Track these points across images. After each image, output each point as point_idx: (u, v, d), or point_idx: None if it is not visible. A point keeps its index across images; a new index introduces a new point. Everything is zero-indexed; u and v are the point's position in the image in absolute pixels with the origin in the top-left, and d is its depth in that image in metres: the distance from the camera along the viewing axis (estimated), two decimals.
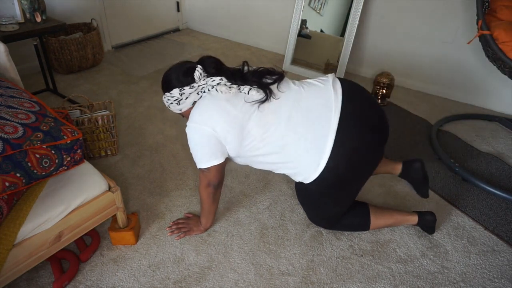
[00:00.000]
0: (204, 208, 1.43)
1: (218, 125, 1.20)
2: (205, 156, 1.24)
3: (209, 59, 1.32)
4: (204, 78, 1.27)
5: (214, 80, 1.24)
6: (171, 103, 1.30)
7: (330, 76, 1.31)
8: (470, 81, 2.61)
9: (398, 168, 1.62)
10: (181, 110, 1.32)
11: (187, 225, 1.50)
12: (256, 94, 1.22)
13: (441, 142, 2.14)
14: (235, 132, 1.21)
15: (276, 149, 1.23)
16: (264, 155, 1.27)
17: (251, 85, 1.24)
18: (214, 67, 1.29)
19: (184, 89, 1.26)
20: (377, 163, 1.31)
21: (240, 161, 1.35)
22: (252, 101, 1.21)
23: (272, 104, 1.23)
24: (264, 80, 1.28)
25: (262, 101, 1.21)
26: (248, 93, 1.22)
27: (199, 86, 1.26)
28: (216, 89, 1.22)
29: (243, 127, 1.21)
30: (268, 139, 1.22)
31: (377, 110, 1.28)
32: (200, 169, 1.29)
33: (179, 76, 1.27)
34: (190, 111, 1.29)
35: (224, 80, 1.24)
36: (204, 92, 1.26)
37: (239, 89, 1.23)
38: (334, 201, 1.35)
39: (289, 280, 1.33)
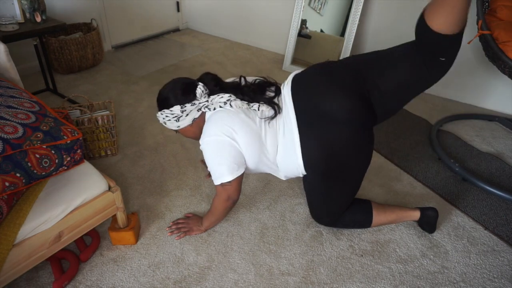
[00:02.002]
0: (214, 216, 1.44)
1: (239, 137, 1.21)
2: (228, 169, 1.23)
3: (208, 75, 1.33)
4: (206, 95, 1.27)
5: (222, 97, 1.24)
6: (169, 119, 1.29)
7: (289, 76, 1.33)
8: (470, 81, 2.61)
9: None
10: (179, 127, 1.32)
11: (187, 225, 1.50)
12: (266, 109, 1.25)
13: (441, 142, 2.14)
14: (255, 145, 1.23)
15: (279, 159, 1.30)
16: (270, 166, 1.33)
17: (258, 101, 1.26)
18: (214, 84, 1.30)
19: (185, 106, 1.26)
20: (365, 149, 1.26)
21: (254, 172, 1.39)
22: (265, 118, 1.25)
23: (277, 118, 1.27)
24: (267, 94, 1.31)
25: (272, 117, 1.25)
26: (258, 109, 1.25)
27: (199, 103, 1.27)
28: (231, 104, 1.23)
29: (262, 141, 1.25)
30: (277, 150, 1.28)
31: (341, 94, 1.19)
32: (221, 183, 1.26)
33: (178, 93, 1.27)
34: (190, 128, 1.33)
35: (233, 96, 1.25)
36: (208, 108, 1.27)
37: (248, 105, 1.25)
38: (334, 191, 1.35)
39: (289, 280, 1.33)
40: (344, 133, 1.20)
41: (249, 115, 1.24)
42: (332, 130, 1.20)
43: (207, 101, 1.27)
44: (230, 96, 1.25)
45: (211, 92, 1.29)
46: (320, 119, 1.20)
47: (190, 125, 1.32)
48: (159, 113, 1.31)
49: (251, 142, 1.22)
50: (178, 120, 1.29)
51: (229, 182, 1.25)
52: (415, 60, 1.13)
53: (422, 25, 1.06)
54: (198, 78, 1.33)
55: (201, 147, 1.25)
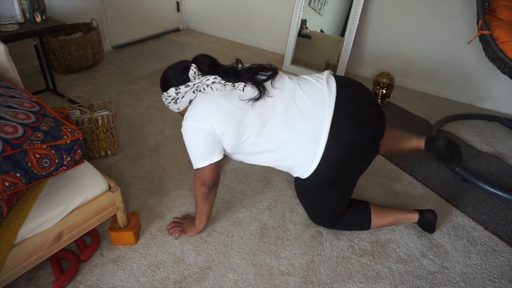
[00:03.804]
0: (197, 207, 1.42)
1: (215, 121, 1.20)
2: (201, 155, 1.25)
3: (204, 57, 1.32)
4: (199, 76, 1.27)
5: (208, 79, 1.24)
6: (169, 102, 1.32)
7: (326, 73, 1.32)
8: (470, 81, 2.61)
9: (421, 144, 1.59)
10: (178, 109, 1.33)
11: (181, 225, 1.50)
12: (251, 91, 1.22)
13: None
14: (232, 128, 1.21)
15: (273, 146, 1.25)
16: (261, 152, 1.28)
17: (245, 82, 1.24)
18: (207, 65, 1.29)
19: (179, 88, 1.27)
20: (370, 160, 1.33)
21: (237, 157, 1.36)
22: (247, 99, 1.22)
23: (266, 101, 1.23)
24: (258, 76, 1.28)
25: (256, 99, 1.22)
26: (243, 90, 1.22)
27: (194, 84, 1.27)
28: (211, 87, 1.23)
29: (240, 122, 1.22)
30: (265, 135, 1.23)
31: (373, 106, 1.28)
32: (196, 168, 1.29)
33: (176, 75, 1.28)
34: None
35: (219, 78, 1.25)
36: (199, 91, 1.27)
37: (233, 86, 1.24)
38: (330, 197, 1.35)
39: (289, 280, 1.33)
40: (366, 139, 1.24)
41: (229, 98, 1.22)
42: (361, 132, 1.22)
43: (199, 82, 1.27)
44: (215, 78, 1.24)
45: (203, 73, 1.29)
46: (353, 119, 1.22)
47: (188, 106, 1.31)
48: (162, 95, 1.34)
49: (227, 126, 1.21)
50: (176, 103, 1.30)
51: (203, 168, 1.26)
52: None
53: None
54: (193, 59, 1.32)
55: (181, 129, 1.26)
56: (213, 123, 1.20)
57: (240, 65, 1.32)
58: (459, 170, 1.85)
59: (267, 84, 1.26)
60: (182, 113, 1.36)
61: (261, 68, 1.31)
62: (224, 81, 1.24)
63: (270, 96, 1.24)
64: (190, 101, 1.29)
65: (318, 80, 1.29)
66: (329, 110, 1.20)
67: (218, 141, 1.23)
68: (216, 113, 1.20)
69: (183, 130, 1.24)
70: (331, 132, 1.18)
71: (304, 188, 1.37)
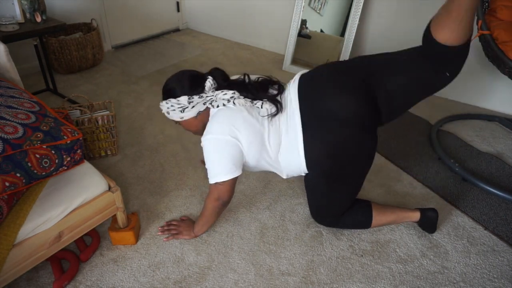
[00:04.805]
0: (204, 217, 1.42)
1: (242, 135, 1.21)
2: (224, 169, 1.23)
3: (217, 71, 1.33)
4: (213, 90, 1.28)
5: (226, 94, 1.25)
6: (174, 109, 1.29)
7: (296, 76, 1.34)
8: (470, 81, 2.60)
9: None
10: (182, 118, 1.31)
11: (177, 227, 1.50)
12: (269, 108, 1.25)
13: (441, 142, 2.14)
14: (257, 143, 1.24)
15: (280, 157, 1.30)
16: (271, 163, 1.33)
17: (261, 99, 1.26)
18: (222, 79, 1.31)
19: (193, 98, 1.26)
20: (368, 150, 1.27)
21: (254, 170, 1.39)
22: (266, 115, 1.25)
23: (280, 116, 1.27)
24: (270, 92, 1.31)
25: (274, 115, 1.25)
26: (261, 107, 1.25)
27: (207, 96, 1.27)
28: (234, 102, 1.23)
29: (264, 139, 1.25)
30: (277, 149, 1.28)
31: (344, 96, 1.20)
32: (215, 182, 1.26)
33: (185, 84, 1.28)
34: (193, 121, 1.32)
35: (237, 93, 1.25)
36: (212, 104, 1.27)
37: (251, 102, 1.26)
38: (334, 192, 1.35)
39: (289, 280, 1.33)
40: (347, 134, 1.21)
41: (252, 113, 1.24)
42: (336, 130, 1.21)
43: (213, 95, 1.27)
44: (234, 93, 1.25)
45: (218, 86, 1.29)
46: (324, 119, 1.21)
47: (195, 118, 1.31)
48: (164, 102, 1.31)
49: (253, 140, 1.23)
50: (183, 111, 1.28)
51: (223, 182, 1.25)
52: (423, 65, 1.14)
53: (428, 37, 1.09)
54: (208, 72, 1.33)
55: (202, 144, 1.25)
56: (239, 136, 1.20)
57: (248, 80, 1.34)
58: (459, 170, 1.85)
59: (279, 99, 1.30)
60: (183, 123, 1.35)
61: (268, 81, 1.34)
62: (243, 96, 1.26)
63: (282, 112, 1.28)
64: (198, 113, 1.30)
65: (289, 87, 1.32)
66: (297, 114, 1.24)
67: (242, 154, 1.24)
68: (242, 126, 1.21)
69: (206, 143, 1.23)
70: (305, 137, 1.22)
71: (309, 181, 1.39)
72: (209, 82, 1.26)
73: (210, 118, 1.29)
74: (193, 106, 1.27)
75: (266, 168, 1.36)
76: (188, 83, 1.28)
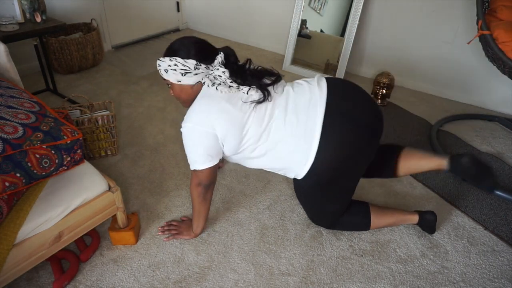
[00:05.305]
0: (194, 208, 1.42)
1: (218, 124, 1.20)
2: (200, 157, 1.24)
3: (229, 50, 1.31)
4: (219, 66, 1.25)
5: (218, 69, 1.23)
6: (175, 70, 1.22)
7: (317, 75, 1.34)
8: (470, 81, 2.61)
9: (443, 164, 1.40)
10: (179, 81, 1.25)
11: (178, 228, 1.50)
12: (255, 94, 1.23)
13: (441, 142, 2.14)
14: (235, 131, 1.21)
15: (269, 148, 1.26)
16: (258, 157, 1.30)
17: (250, 85, 1.24)
18: (230, 58, 1.29)
19: (200, 65, 1.23)
20: (369, 158, 1.32)
21: (233, 159, 1.36)
22: (250, 101, 1.23)
23: (267, 105, 1.25)
24: (263, 80, 1.29)
25: (259, 102, 1.23)
26: (247, 93, 1.23)
27: (211, 70, 1.25)
28: (216, 87, 1.22)
29: (243, 126, 1.22)
30: (263, 138, 1.25)
31: (367, 104, 1.28)
32: (194, 169, 1.28)
33: (197, 50, 1.23)
34: (188, 89, 1.26)
35: (227, 74, 1.24)
36: (208, 77, 1.24)
37: (238, 88, 1.24)
38: (328, 197, 1.35)
39: (289, 280, 1.33)
40: (363, 138, 1.24)
41: (230, 100, 1.22)
42: (353, 132, 1.22)
43: (212, 72, 1.25)
44: (224, 72, 1.23)
45: (226, 65, 1.27)
46: (344, 119, 1.22)
47: (191, 86, 1.27)
48: (167, 58, 1.23)
49: (229, 128, 1.21)
50: (184, 75, 1.23)
51: (201, 170, 1.26)
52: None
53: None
54: (221, 48, 1.30)
55: (181, 129, 1.24)
56: (215, 126, 1.19)
57: (249, 65, 1.32)
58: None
59: (270, 88, 1.27)
60: (176, 87, 1.28)
61: (266, 72, 1.32)
62: (231, 80, 1.24)
63: (270, 101, 1.25)
64: (197, 83, 1.25)
65: (310, 82, 1.31)
66: (320, 110, 1.21)
67: (219, 144, 1.23)
68: (219, 117, 1.20)
69: (183, 130, 1.23)
70: (323, 133, 1.19)
71: (302, 189, 1.37)
72: (220, 58, 1.24)
73: (195, 100, 1.25)
74: (195, 74, 1.23)
75: (246, 160, 1.34)
76: (200, 50, 1.24)
